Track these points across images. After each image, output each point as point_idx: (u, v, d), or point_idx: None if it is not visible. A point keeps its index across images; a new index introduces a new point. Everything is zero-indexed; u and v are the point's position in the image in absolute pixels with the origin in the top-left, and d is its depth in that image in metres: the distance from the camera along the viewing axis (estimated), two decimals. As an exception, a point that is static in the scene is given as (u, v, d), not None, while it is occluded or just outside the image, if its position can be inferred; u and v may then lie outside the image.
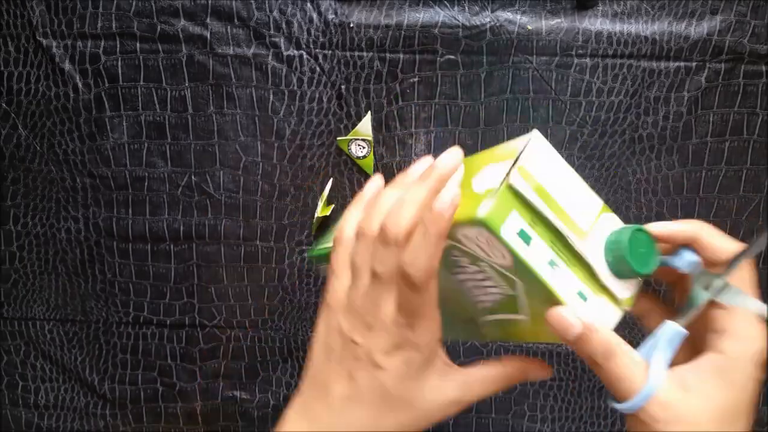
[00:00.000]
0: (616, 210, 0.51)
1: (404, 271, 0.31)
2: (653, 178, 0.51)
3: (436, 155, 0.48)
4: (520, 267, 0.31)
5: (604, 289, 0.32)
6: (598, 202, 0.34)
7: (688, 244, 0.33)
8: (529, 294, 0.32)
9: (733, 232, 0.51)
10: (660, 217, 0.51)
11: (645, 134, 0.50)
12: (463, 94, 0.49)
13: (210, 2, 0.48)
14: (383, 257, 0.32)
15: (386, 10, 0.48)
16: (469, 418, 0.54)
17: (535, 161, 0.31)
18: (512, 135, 0.50)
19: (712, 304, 0.32)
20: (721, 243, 0.32)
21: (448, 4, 0.48)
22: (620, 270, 0.31)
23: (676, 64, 0.49)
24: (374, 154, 0.50)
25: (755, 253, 0.31)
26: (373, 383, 0.33)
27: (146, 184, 0.51)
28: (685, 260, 0.33)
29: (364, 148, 0.49)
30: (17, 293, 0.53)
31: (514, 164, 0.31)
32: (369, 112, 0.49)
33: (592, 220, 0.33)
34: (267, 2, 0.48)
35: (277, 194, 0.51)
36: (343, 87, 0.49)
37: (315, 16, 0.48)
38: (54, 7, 0.48)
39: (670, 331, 0.32)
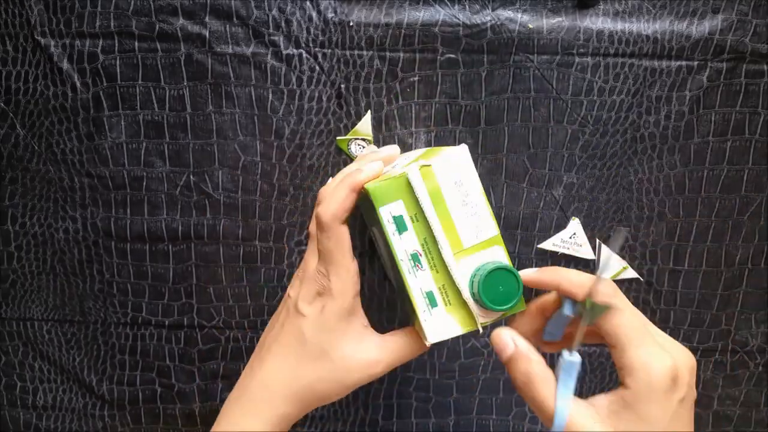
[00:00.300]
0: (618, 210, 0.51)
1: (316, 216, 0.36)
2: (655, 177, 0.50)
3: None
4: (389, 249, 0.34)
5: (464, 304, 0.34)
6: (493, 230, 0.35)
7: (558, 290, 0.35)
8: (399, 281, 0.36)
9: (734, 232, 0.51)
10: (662, 217, 0.51)
11: (647, 133, 0.50)
12: (464, 93, 0.49)
13: (209, 1, 0.48)
14: (314, 216, 0.37)
15: (386, 8, 0.48)
16: (469, 419, 0.54)
17: (446, 168, 0.33)
18: (513, 134, 0.50)
19: (612, 347, 0.33)
20: (578, 278, 0.34)
21: (448, 3, 0.48)
22: (475, 297, 0.34)
23: (678, 63, 0.49)
24: (374, 154, 0.50)
25: (609, 266, 0.33)
26: (294, 329, 0.36)
27: (144, 183, 0.51)
28: (569, 306, 0.34)
29: (363, 147, 0.49)
30: (15, 293, 0.53)
31: (419, 160, 0.34)
32: (369, 112, 0.49)
33: (477, 243, 0.34)
34: (266, 1, 0.48)
35: (276, 194, 0.51)
36: (342, 86, 0.49)
37: (314, 14, 0.48)
38: (52, 6, 0.48)
39: (565, 362, 0.33)
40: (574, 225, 0.51)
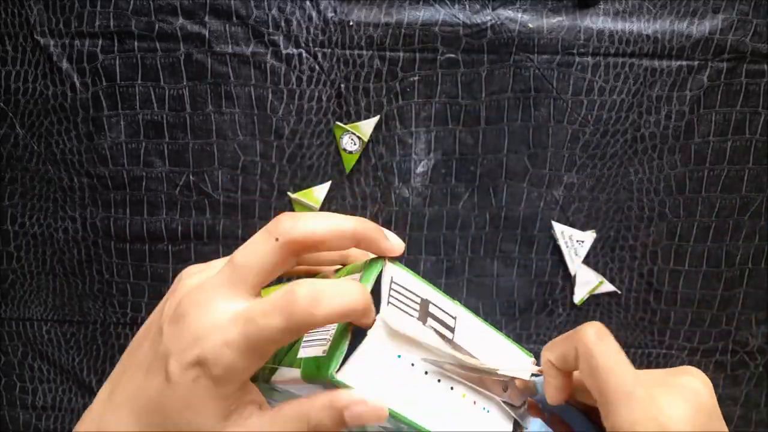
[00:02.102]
0: (618, 210, 0.51)
1: (309, 300, 0.25)
2: (655, 177, 0.50)
3: (436, 155, 0.47)
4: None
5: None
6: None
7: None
8: None
9: (735, 232, 0.51)
10: (662, 217, 0.51)
11: (647, 133, 0.50)
12: (464, 92, 0.49)
13: (208, 0, 0.47)
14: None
15: (386, 8, 0.48)
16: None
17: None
18: (513, 134, 0.50)
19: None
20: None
21: (448, 3, 0.48)
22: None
23: (678, 62, 0.48)
24: (373, 154, 0.50)
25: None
26: (152, 392, 0.27)
27: (144, 183, 0.50)
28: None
29: (355, 144, 0.49)
30: (15, 294, 0.53)
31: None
32: (378, 116, 0.49)
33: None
34: (266, 0, 0.47)
35: (276, 194, 0.51)
36: (342, 86, 0.49)
37: (314, 14, 0.48)
38: (52, 6, 0.48)
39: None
40: (588, 236, 0.51)
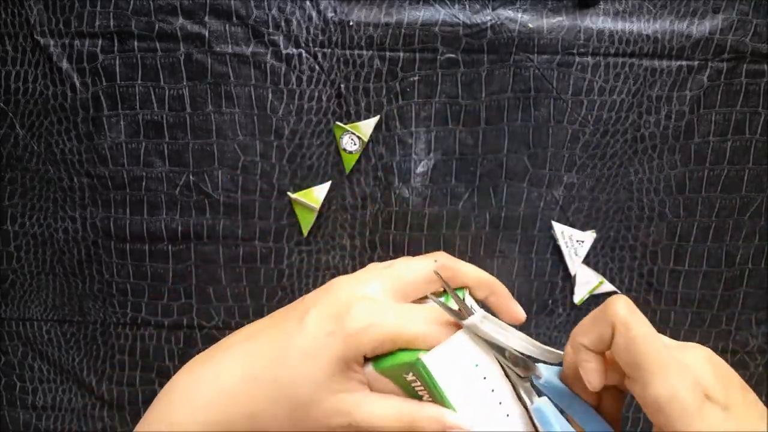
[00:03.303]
0: (618, 210, 0.51)
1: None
2: (655, 177, 0.50)
3: (436, 155, 0.48)
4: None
5: None
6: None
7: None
8: None
9: (735, 232, 0.51)
10: (662, 217, 0.51)
11: (647, 133, 0.50)
12: (464, 92, 0.49)
13: (208, 0, 0.47)
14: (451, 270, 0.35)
15: (386, 8, 0.48)
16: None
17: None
18: (513, 134, 0.50)
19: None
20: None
21: (448, 3, 0.48)
22: None
23: (678, 62, 0.48)
24: (373, 154, 0.50)
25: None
26: (280, 335, 0.30)
27: (144, 183, 0.50)
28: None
29: (355, 144, 0.49)
30: (14, 294, 0.53)
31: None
32: (378, 117, 0.49)
33: None
34: (266, 0, 0.47)
35: (276, 194, 0.51)
36: (342, 86, 0.49)
37: (314, 14, 0.48)
38: (52, 6, 0.48)
39: (533, 411, 0.31)
40: (588, 236, 0.51)
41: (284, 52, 0.48)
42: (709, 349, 0.29)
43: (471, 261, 0.51)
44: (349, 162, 0.50)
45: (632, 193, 0.51)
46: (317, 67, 0.48)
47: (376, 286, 0.31)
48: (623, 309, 0.29)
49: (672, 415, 0.25)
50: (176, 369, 0.53)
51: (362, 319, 0.29)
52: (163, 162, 0.50)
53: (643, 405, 0.27)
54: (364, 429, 0.29)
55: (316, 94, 0.49)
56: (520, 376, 0.31)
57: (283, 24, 0.48)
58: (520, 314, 0.33)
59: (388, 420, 0.29)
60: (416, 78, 0.49)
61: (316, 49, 0.48)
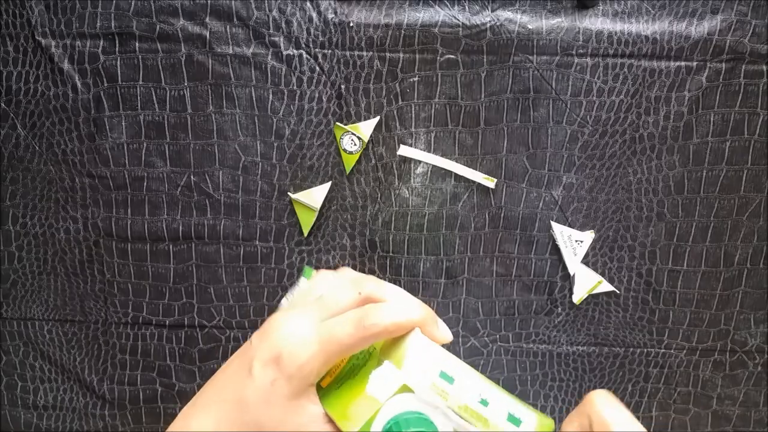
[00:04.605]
0: (617, 210, 0.52)
1: (385, 315, 0.32)
2: (654, 177, 0.50)
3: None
4: None
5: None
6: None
7: None
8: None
9: (733, 232, 0.51)
10: (661, 217, 0.51)
11: (646, 134, 0.50)
12: (464, 93, 0.49)
13: (209, 2, 0.48)
14: (370, 290, 0.34)
15: (386, 9, 0.48)
16: (469, 419, 0.54)
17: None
18: (512, 134, 0.50)
19: None
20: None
21: (448, 4, 0.48)
22: None
23: (677, 63, 0.49)
24: (373, 154, 0.50)
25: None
26: (238, 389, 0.32)
27: (145, 184, 0.51)
28: None
29: (355, 144, 0.49)
30: (16, 293, 0.53)
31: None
32: (378, 117, 0.49)
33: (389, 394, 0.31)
34: (266, 1, 0.48)
35: (277, 194, 0.51)
36: (342, 86, 0.49)
37: (314, 15, 0.48)
38: (53, 7, 0.48)
39: None
40: (587, 236, 0.51)
41: (285, 53, 0.48)
42: None
43: (471, 261, 0.52)
44: (350, 162, 0.50)
45: (631, 194, 0.51)
46: (318, 68, 0.49)
47: (305, 320, 0.33)
48: (601, 404, 0.31)
49: None
50: (177, 368, 0.54)
51: (297, 357, 0.31)
52: (164, 162, 0.50)
53: None
54: None
55: (317, 95, 0.49)
56: None
57: (283, 25, 0.48)
58: (447, 337, 0.35)
59: None
60: (416, 79, 0.49)
61: (317, 50, 0.48)
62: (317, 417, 0.31)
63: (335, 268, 0.51)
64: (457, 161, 0.50)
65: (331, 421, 0.31)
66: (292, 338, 0.32)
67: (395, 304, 0.32)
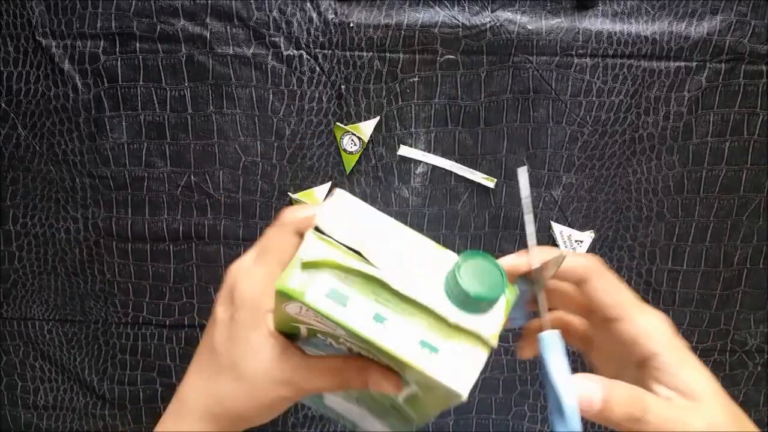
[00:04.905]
0: (617, 210, 0.52)
1: (282, 213, 0.32)
2: (653, 177, 0.51)
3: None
4: (347, 332, 0.27)
5: (460, 329, 0.26)
6: (427, 242, 0.28)
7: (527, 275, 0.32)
8: (381, 358, 0.29)
9: (733, 232, 0.51)
10: (660, 217, 0.51)
11: (645, 134, 0.50)
12: (463, 93, 0.49)
13: (210, 2, 0.48)
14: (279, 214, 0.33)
15: (386, 9, 0.48)
16: (469, 419, 0.54)
17: (335, 220, 0.28)
18: (512, 135, 0.50)
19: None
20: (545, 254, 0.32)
21: (448, 4, 0.48)
22: (466, 303, 0.27)
23: (677, 64, 0.49)
24: (373, 154, 0.50)
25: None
26: (208, 337, 0.33)
27: (146, 184, 0.51)
28: (521, 282, 0.31)
29: (356, 144, 0.49)
30: (16, 293, 0.53)
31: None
32: (378, 117, 0.49)
33: (424, 262, 0.28)
34: (267, 2, 0.48)
35: (277, 194, 0.51)
36: (342, 87, 0.49)
37: (315, 15, 0.48)
38: (53, 7, 0.48)
39: (544, 340, 0.29)
40: (587, 236, 0.51)
41: (285, 53, 0.48)
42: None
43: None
44: (350, 162, 0.50)
45: (631, 194, 0.51)
46: (318, 68, 0.49)
47: (251, 256, 0.33)
48: (599, 262, 0.31)
49: (661, 340, 0.29)
50: (177, 368, 0.54)
51: (246, 285, 0.32)
52: (165, 162, 0.50)
53: (623, 340, 0.30)
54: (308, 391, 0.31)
55: (317, 95, 0.49)
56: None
57: (284, 26, 0.48)
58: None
59: (325, 381, 0.31)
60: (416, 79, 0.49)
61: (317, 50, 0.48)
62: (275, 339, 0.31)
63: None
64: (457, 161, 0.50)
65: (289, 343, 0.31)
66: (239, 271, 0.32)
67: (305, 204, 0.33)
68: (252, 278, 0.32)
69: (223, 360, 0.32)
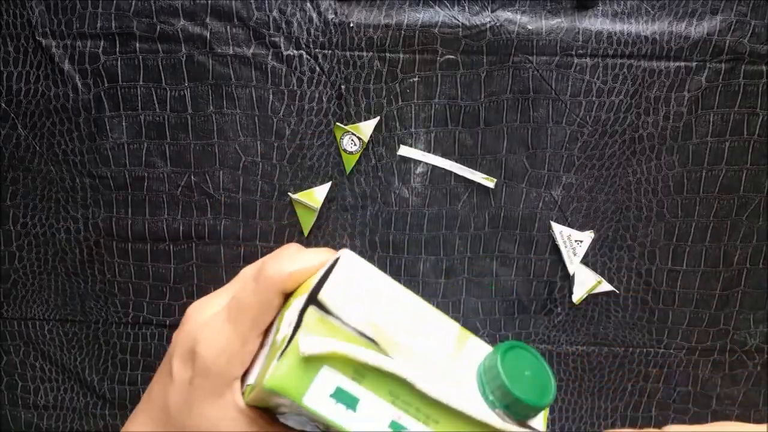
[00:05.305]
0: (617, 210, 0.52)
1: (264, 264, 0.27)
2: (653, 178, 0.51)
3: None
4: None
5: None
6: (452, 325, 0.24)
7: None
8: None
9: (733, 232, 0.51)
10: (660, 217, 0.51)
11: (645, 134, 0.50)
12: (463, 93, 0.49)
13: (209, 2, 0.48)
14: (260, 263, 0.29)
15: (386, 9, 0.48)
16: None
17: (341, 293, 0.23)
18: (512, 135, 0.50)
19: None
20: None
21: (448, 4, 0.48)
22: (509, 405, 0.22)
23: (677, 64, 0.49)
24: (373, 155, 0.50)
25: None
26: (161, 392, 0.28)
27: (146, 184, 0.51)
28: None
29: (355, 144, 0.49)
30: (17, 293, 0.53)
31: (307, 304, 0.23)
32: (378, 117, 0.49)
33: (452, 351, 0.23)
34: (266, 2, 0.48)
35: (277, 194, 0.51)
36: (342, 87, 0.49)
37: (315, 15, 0.48)
38: (53, 7, 0.48)
39: None
40: (587, 236, 0.51)
41: (285, 53, 0.48)
42: None
43: (470, 261, 0.52)
44: (350, 162, 0.50)
45: (630, 194, 0.51)
46: (318, 68, 0.49)
47: (219, 301, 0.29)
48: None
49: None
50: (177, 368, 0.54)
51: (212, 347, 0.27)
52: (165, 162, 0.50)
53: None
54: None
55: (317, 95, 0.49)
56: None
57: (283, 25, 0.48)
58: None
59: None
60: (416, 79, 0.49)
61: (317, 50, 0.48)
62: (241, 414, 0.26)
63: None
64: (457, 161, 0.50)
65: (258, 417, 0.26)
66: (205, 327, 0.27)
67: (294, 253, 0.27)
68: (219, 341, 0.27)
69: (174, 425, 0.27)
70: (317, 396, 0.21)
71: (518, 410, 0.22)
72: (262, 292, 0.26)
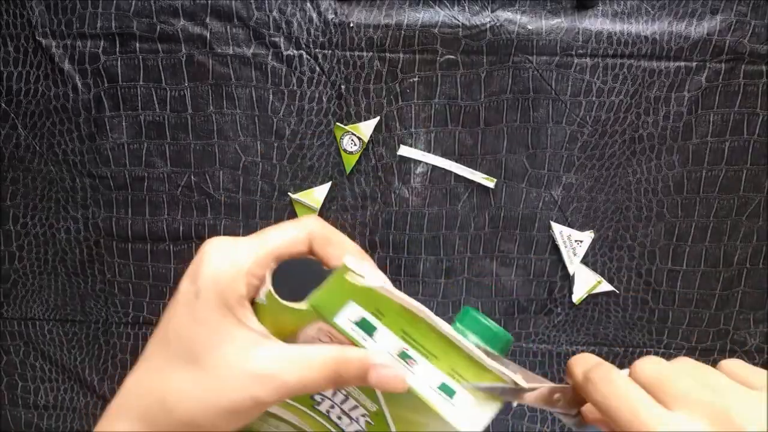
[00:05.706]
0: (616, 210, 0.52)
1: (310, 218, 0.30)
2: (653, 177, 0.51)
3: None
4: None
5: (481, 369, 0.26)
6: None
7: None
8: (391, 402, 0.27)
9: (733, 232, 0.51)
10: (660, 217, 0.51)
11: (645, 134, 0.50)
12: (463, 93, 0.49)
13: (209, 2, 0.48)
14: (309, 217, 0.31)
15: (386, 9, 0.48)
16: (469, 419, 0.54)
17: (361, 268, 0.27)
18: (512, 135, 0.50)
19: None
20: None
21: (448, 4, 0.48)
22: (489, 340, 0.28)
23: (677, 64, 0.49)
24: (373, 155, 0.50)
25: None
26: (167, 316, 0.27)
27: (146, 184, 0.51)
28: None
29: (356, 144, 0.49)
30: (17, 293, 0.53)
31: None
32: (378, 117, 0.49)
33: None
34: (267, 2, 0.48)
35: (277, 194, 0.51)
36: (342, 87, 0.49)
37: (315, 15, 0.48)
38: (53, 7, 0.48)
39: None
40: (587, 236, 0.51)
41: (285, 53, 0.48)
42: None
43: (471, 261, 0.52)
44: (350, 162, 0.50)
45: (630, 194, 0.51)
46: (318, 68, 0.49)
47: (231, 238, 0.28)
48: (579, 373, 0.29)
49: None
50: (177, 368, 0.54)
51: (221, 261, 0.26)
52: (165, 162, 0.50)
53: None
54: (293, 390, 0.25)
55: (317, 95, 0.49)
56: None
57: (284, 25, 0.48)
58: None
59: (315, 374, 0.25)
60: (416, 79, 0.49)
61: (317, 50, 0.48)
62: (245, 328, 0.25)
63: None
64: (457, 161, 0.50)
65: (271, 336, 0.26)
66: (220, 245, 0.27)
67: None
68: (234, 255, 0.26)
69: (179, 346, 0.25)
70: (345, 320, 0.26)
71: (495, 343, 0.28)
72: (296, 230, 0.28)
